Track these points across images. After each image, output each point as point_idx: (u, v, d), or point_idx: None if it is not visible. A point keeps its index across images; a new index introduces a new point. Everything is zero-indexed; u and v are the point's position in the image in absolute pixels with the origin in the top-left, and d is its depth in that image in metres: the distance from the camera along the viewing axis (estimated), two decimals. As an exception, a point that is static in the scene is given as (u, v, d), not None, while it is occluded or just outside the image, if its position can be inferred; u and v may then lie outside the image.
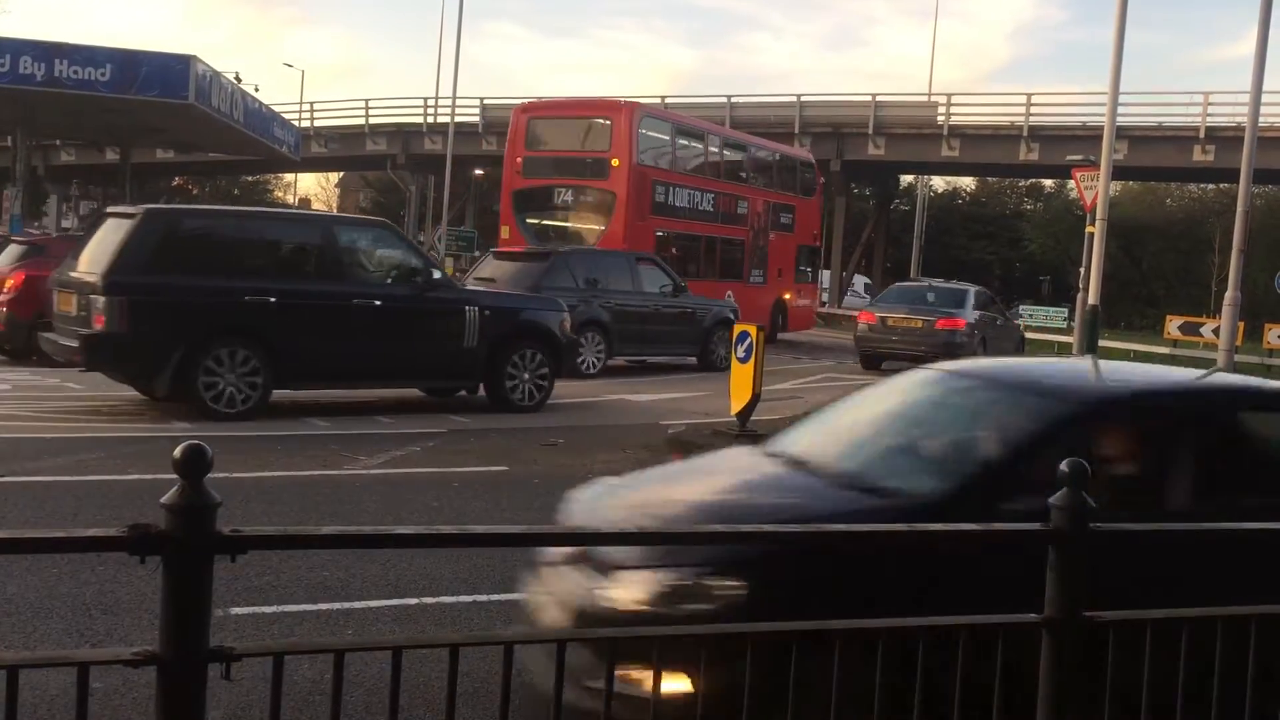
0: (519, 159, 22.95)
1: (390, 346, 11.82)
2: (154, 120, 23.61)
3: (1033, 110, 42.33)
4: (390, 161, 54.31)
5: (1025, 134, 42.03)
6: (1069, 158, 28.26)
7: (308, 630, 5.21)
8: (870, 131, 44.20)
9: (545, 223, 23.14)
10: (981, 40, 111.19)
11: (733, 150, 28.25)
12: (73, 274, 11.13)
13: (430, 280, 12.26)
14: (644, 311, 17.82)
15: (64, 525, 6.41)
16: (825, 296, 42.09)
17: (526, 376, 12.70)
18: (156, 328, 10.58)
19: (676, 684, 2.74)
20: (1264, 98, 19.44)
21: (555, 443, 10.90)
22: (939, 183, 65.53)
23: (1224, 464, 4.30)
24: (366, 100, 54.28)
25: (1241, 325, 20.99)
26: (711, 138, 27.22)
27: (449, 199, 45.12)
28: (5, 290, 14.94)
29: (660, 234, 22.87)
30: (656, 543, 3.10)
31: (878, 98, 44.73)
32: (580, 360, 15.91)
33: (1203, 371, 5.63)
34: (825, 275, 48.57)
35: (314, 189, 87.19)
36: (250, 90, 27.25)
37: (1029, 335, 36.30)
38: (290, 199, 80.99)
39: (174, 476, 2.00)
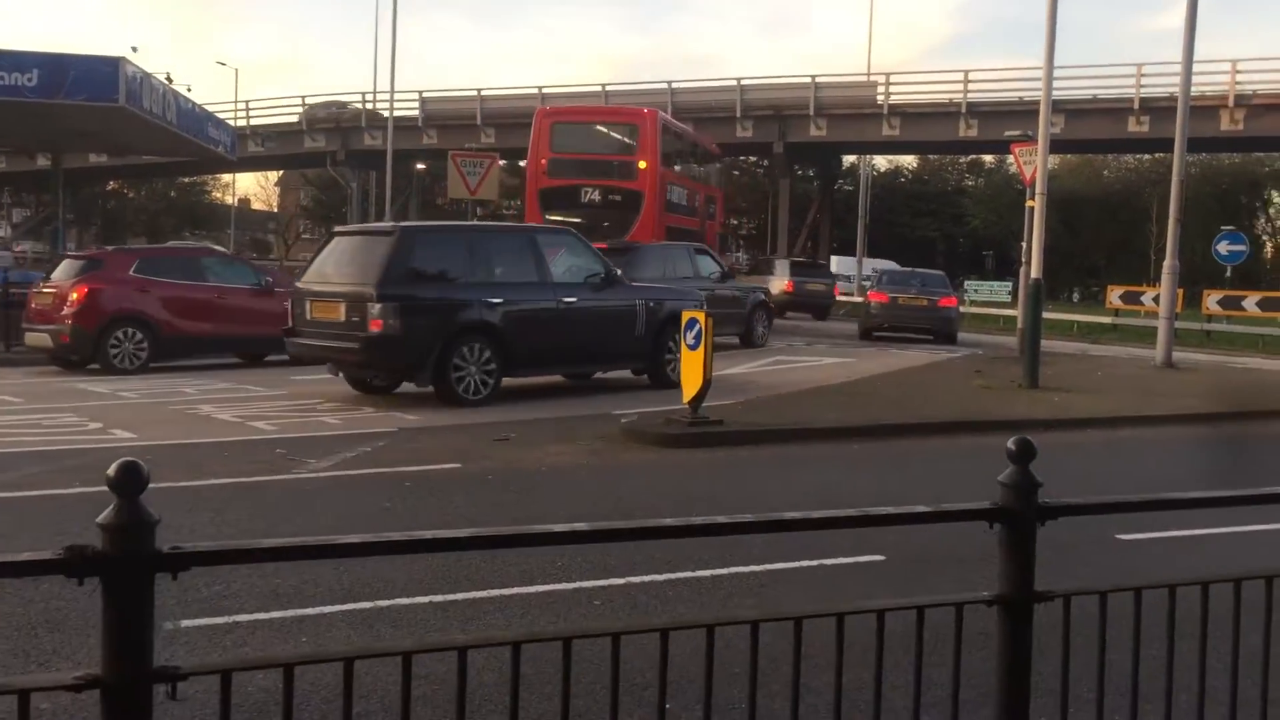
0: (544, 160, 24.39)
1: (586, 337, 13.91)
2: (85, 124, 23.13)
3: (970, 87, 42.75)
4: (330, 158, 53.75)
5: (964, 111, 42.43)
6: (1007, 133, 28.61)
7: (261, 640, 5.14)
8: (811, 113, 44.41)
9: (571, 220, 23.78)
10: (919, 19, 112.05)
11: (694, 148, 30.30)
12: (329, 287, 12.93)
13: (609, 279, 14.31)
14: (709, 297, 17.87)
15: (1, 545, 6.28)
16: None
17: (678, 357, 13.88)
18: (420, 328, 12.40)
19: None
20: (1195, 67, 19.78)
21: (507, 437, 10.84)
22: (881, 162, 66.11)
23: None
24: (303, 97, 53.71)
25: (1181, 292, 21.34)
26: (687, 138, 29.43)
27: (391, 194, 44.71)
28: (70, 304, 16.04)
29: (670, 228, 24.85)
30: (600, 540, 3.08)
31: (817, 79, 44.94)
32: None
33: None
34: (841, 261, 48.95)
35: (253, 188, 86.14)
36: (183, 91, 26.80)
37: (975, 310, 36.77)
38: (229, 199, 79.89)
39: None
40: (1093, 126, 40.92)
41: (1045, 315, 19.92)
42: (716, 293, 19.24)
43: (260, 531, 6.86)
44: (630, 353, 14.58)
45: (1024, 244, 21.04)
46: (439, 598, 5.72)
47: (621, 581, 6.02)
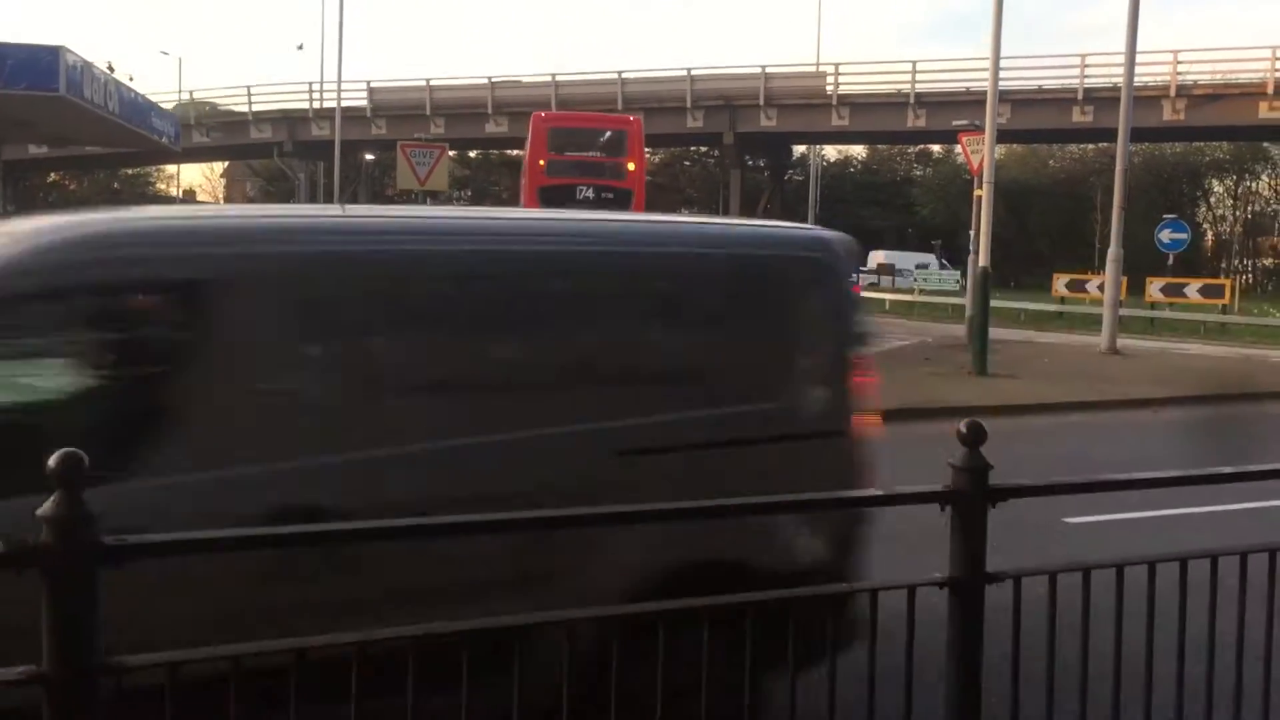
0: (542, 161, 26.74)
1: None
2: (23, 114, 22.64)
3: (919, 77, 43.05)
4: (277, 149, 53.09)
5: (913, 101, 42.74)
6: (955, 123, 28.81)
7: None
8: (761, 103, 44.53)
9: None
10: (868, 10, 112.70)
11: None
12: None
13: None
14: None
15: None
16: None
17: None
18: None
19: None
20: (1138, 58, 20.07)
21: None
22: (831, 152, 66.42)
23: None
24: (249, 87, 52.99)
25: (1125, 280, 21.68)
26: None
27: (340, 185, 44.26)
28: None
29: None
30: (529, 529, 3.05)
31: (767, 69, 45.05)
32: None
33: None
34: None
35: (198, 180, 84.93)
36: (125, 80, 26.34)
37: (925, 299, 37.10)
38: (173, 191, 78.75)
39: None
40: (1038, 116, 41.39)
41: (993, 303, 20.15)
42: None
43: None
44: None
45: (972, 232, 21.26)
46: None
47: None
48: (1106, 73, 38.09)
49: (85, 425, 3.21)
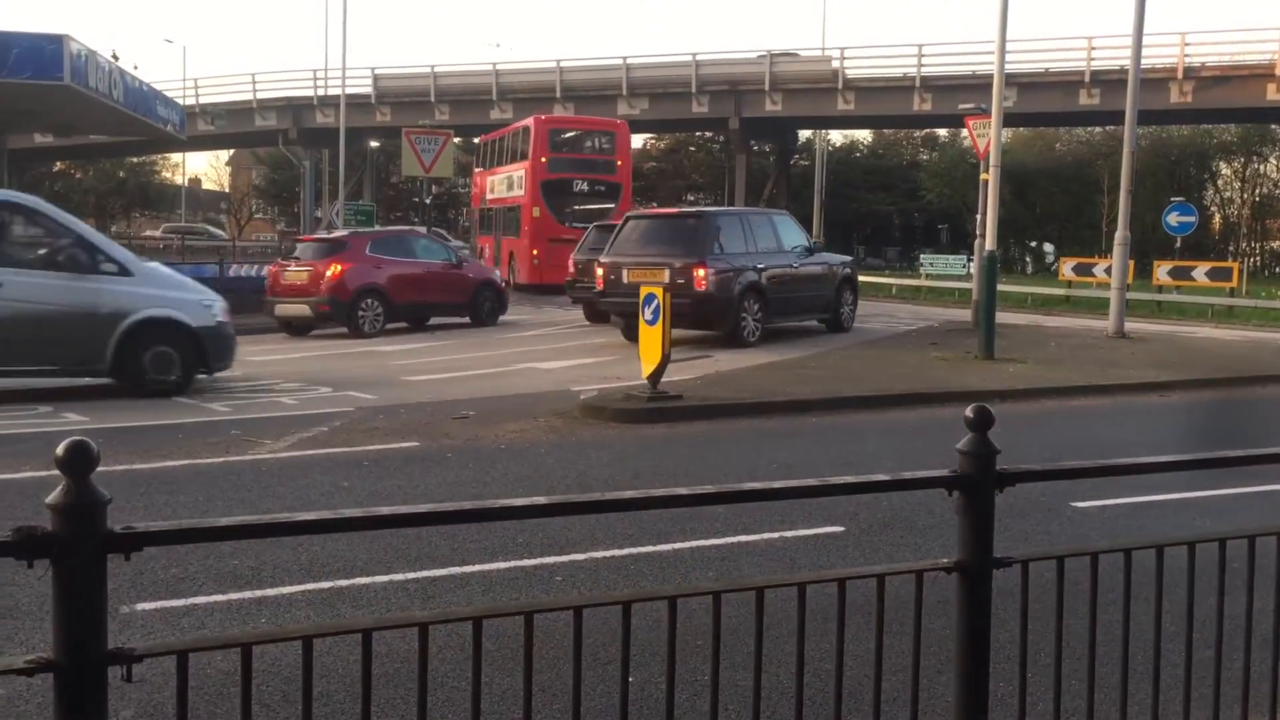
0: (544, 158, 30.28)
1: (806, 293, 18.46)
2: (29, 103, 22.66)
3: (924, 61, 42.90)
4: (281, 137, 53.07)
5: (918, 85, 42.61)
6: (961, 106, 28.72)
7: (219, 622, 5.08)
8: (767, 88, 44.41)
9: (569, 206, 30.66)
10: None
11: None
12: (646, 258, 16.73)
13: (811, 249, 19.00)
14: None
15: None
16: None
17: (844, 311, 19.57)
18: (726, 289, 16.48)
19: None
20: (1145, 40, 19.96)
21: (466, 415, 10.79)
22: (837, 137, 66.22)
23: None
24: (253, 75, 52.94)
25: (1132, 263, 21.61)
26: None
27: (345, 173, 44.23)
28: (327, 279, 19.20)
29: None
30: (566, 513, 3.06)
31: (773, 54, 44.92)
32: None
33: None
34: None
35: (204, 168, 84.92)
36: (129, 69, 26.32)
37: (931, 284, 37.01)
38: (179, 179, 78.75)
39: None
40: (1045, 100, 41.26)
41: (1000, 288, 20.09)
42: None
43: (216, 513, 6.78)
44: (824, 305, 19.10)
45: (979, 216, 21.18)
46: (398, 576, 5.69)
47: (582, 557, 6.02)
48: (1113, 55, 37.97)
49: None
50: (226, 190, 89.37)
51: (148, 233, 60.48)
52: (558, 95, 46.46)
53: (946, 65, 42.97)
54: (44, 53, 19.57)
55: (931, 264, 40.73)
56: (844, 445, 10.19)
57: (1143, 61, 20.51)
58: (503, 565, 5.89)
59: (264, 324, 19.58)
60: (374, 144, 55.38)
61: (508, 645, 2.43)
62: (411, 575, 5.68)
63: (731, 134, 49.00)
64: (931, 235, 66.12)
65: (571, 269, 21.05)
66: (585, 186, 31.06)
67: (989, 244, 16.86)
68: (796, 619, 2.56)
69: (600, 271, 17.31)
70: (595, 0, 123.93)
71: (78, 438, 1.95)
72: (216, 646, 2.25)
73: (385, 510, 2.32)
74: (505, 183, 33.08)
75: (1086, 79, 39.94)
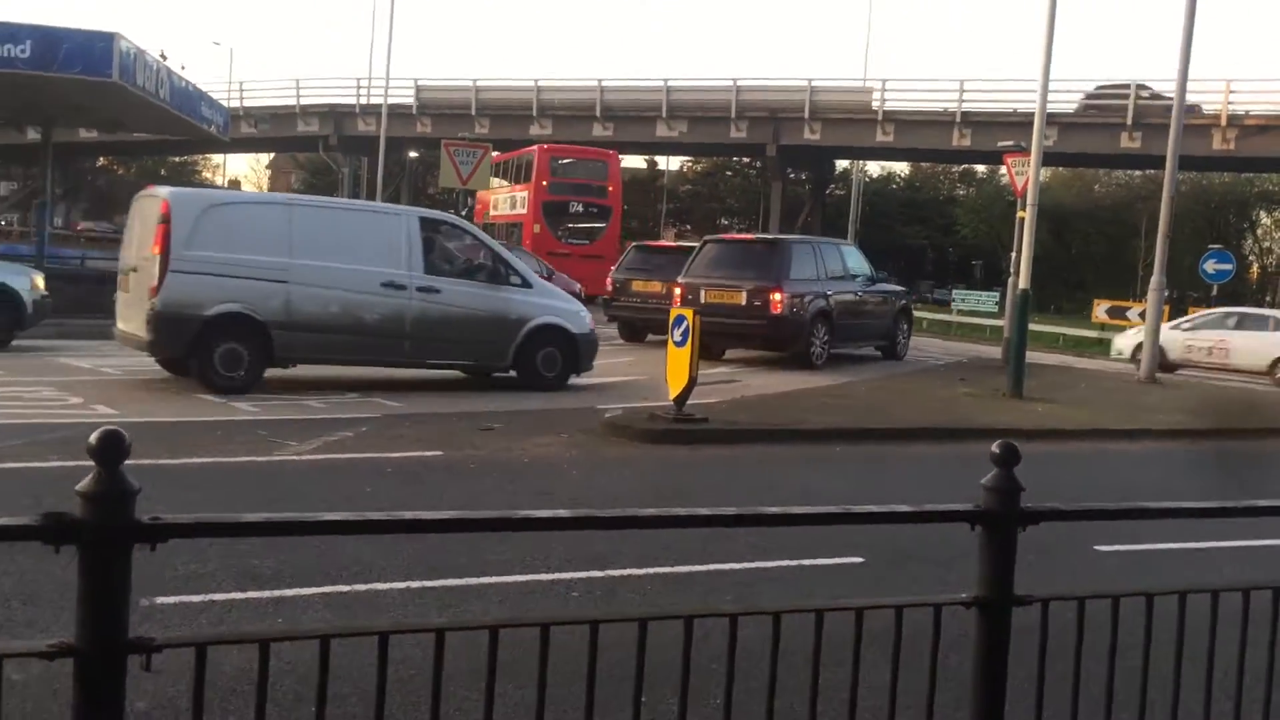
0: (545, 182, 33.85)
1: (871, 321, 19.48)
2: (76, 99, 22.97)
3: (965, 96, 42.83)
4: (322, 143, 53.55)
5: (959, 120, 42.54)
6: (1000, 143, 28.62)
7: (236, 620, 5.12)
8: (806, 116, 44.43)
9: (565, 224, 34.76)
10: (916, 26, 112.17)
11: None
12: (725, 280, 17.61)
13: (874, 278, 19.86)
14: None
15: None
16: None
17: (900, 340, 20.57)
18: (799, 314, 17.42)
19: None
20: (1190, 86, 19.86)
21: (492, 427, 10.82)
22: (874, 168, 66.16)
23: None
24: (297, 80, 53.49)
25: (1167, 309, 21.42)
26: None
27: (383, 181, 44.56)
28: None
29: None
30: (595, 527, 3.06)
31: (813, 82, 44.96)
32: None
33: None
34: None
35: (244, 170, 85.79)
36: (177, 69, 26.65)
37: (961, 320, 36.83)
38: (220, 180, 79.54)
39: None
40: (1086, 140, 41.08)
41: (1031, 327, 19.98)
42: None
43: (238, 511, 6.82)
44: (883, 333, 19.97)
45: (1013, 254, 21.08)
46: (417, 584, 5.70)
47: (600, 574, 6.02)
48: (1157, 99, 37.75)
49: None
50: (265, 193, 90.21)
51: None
52: (597, 114, 46.68)
53: (987, 102, 42.88)
54: (94, 50, 19.86)
55: (963, 300, 40.56)
56: (867, 476, 10.15)
57: (1186, 106, 20.40)
58: (520, 578, 5.89)
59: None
60: (413, 154, 55.79)
61: (522, 657, 2.43)
62: (429, 584, 5.69)
63: (768, 160, 49.04)
64: (965, 271, 65.82)
65: (610, 288, 21.26)
66: (580, 208, 35.13)
67: (1023, 282, 16.77)
68: (812, 646, 2.56)
69: (678, 291, 17.96)
70: (636, 22, 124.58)
71: (111, 427, 1.98)
72: (235, 641, 2.27)
73: (408, 515, 2.33)
74: (509, 201, 36.53)
75: (1129, 122, 39.74)
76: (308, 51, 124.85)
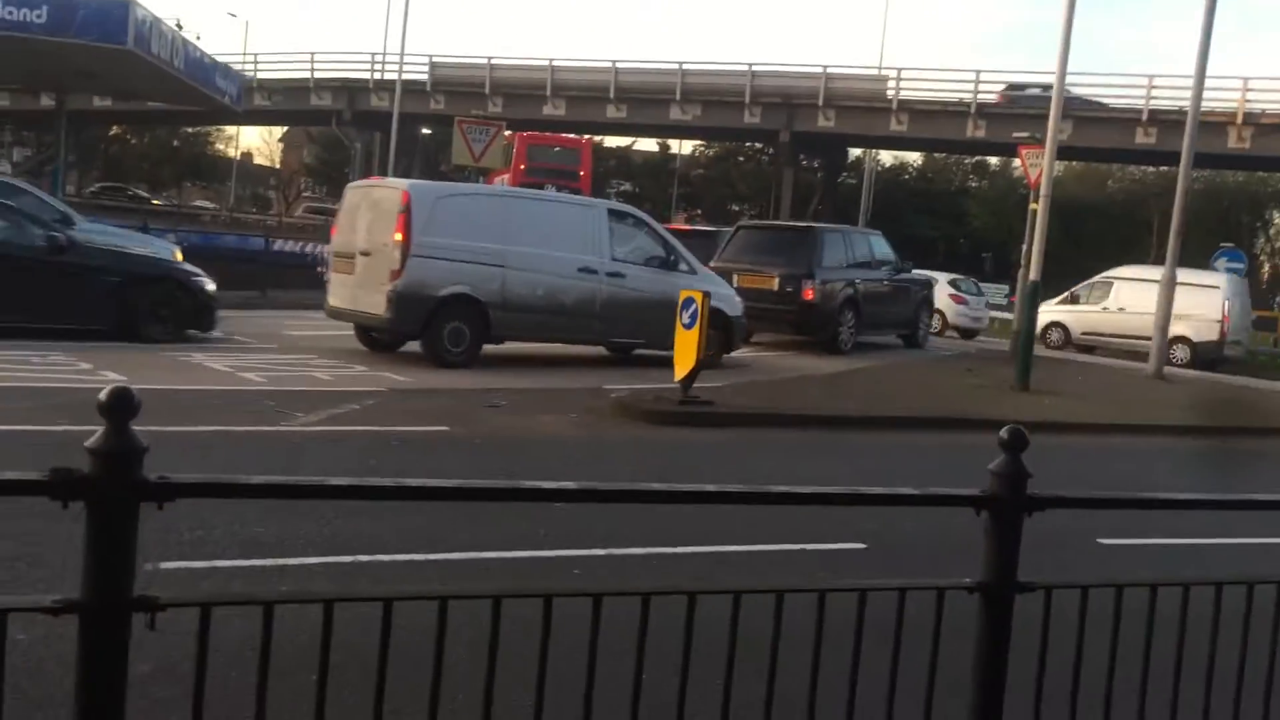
0: (522, 165, 34.70)
1: (895, 309, 19.98)
2: (91, 65, 22.97)
3: (982, 88, 42.65)
4: (335, 118, 53.45)
5: (973, 111, 42.35)
6: (1015, 135, 28.50)
7: (239, 586, 5.14)
8: (820, 103, 44.26)
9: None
10: (934, 16, 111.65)
11: None
12: (758, 266, 18.04)
13: (899, 267, 20.40)
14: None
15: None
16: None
17: (921, 329, 21.11)
18: (829, 300, 18.02)
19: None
20: (1206, 83, 19.73)
21: (498, 404, 10.83)
22: (886, 157, 65.87)
23: None
24: (312, 54, 53.43)
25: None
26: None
27: (395, 158, 44.50)
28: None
29: None
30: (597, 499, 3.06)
31: (829, 69, 44.79)
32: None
33: None
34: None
35: (257, 143, 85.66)
36: (192, 39, 26.62)
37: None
38: (232, 152, 79.50)
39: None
40: (1101, 135, 40.89)
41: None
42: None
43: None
44: (906, 321, 20.50)
45: (1024, 246, 21.03)
46: (420, 557, 5.72)
47: (602, 552, 6.04)
48: (1173, 95, 37.55)
49: None
50: (277, 167, 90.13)
51: (197, 202, 61.24)
52: (611, 96, 46.55)
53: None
54: (110, 16, 19.83)
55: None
56: (872, 462, 10.15)
57: (1203, 104, 20.29)
58: (523, 554, 5.91)
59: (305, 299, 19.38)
60: (426, 131, 55.67)
61: (524, 630, 2.44)
62: (432, 556, 5.71)
63: (781, 146, 48.88)
64: (975, 263, 65.59)
65: None
66: (554, 190, 36.57)
67: (1033, 274, 16.71)
68: (814, 628, 2.56)
69: None
70: (652, 4, 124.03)
71: (120, 385, 1.99)
72: (239, 603, 2.28)
73: (413, 482, 2.34)
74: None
75: (1144, 117, 39.56)
76: (323, 25, 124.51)
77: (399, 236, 12.77)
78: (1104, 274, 27.28)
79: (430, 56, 50.45)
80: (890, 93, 43.92)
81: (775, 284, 17.84)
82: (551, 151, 38.22)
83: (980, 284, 33.22)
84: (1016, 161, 26.85)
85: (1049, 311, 23.72)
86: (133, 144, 75.41)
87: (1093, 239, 61.99)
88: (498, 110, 45.69)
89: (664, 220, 50.61)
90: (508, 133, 36.23)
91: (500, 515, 6.13)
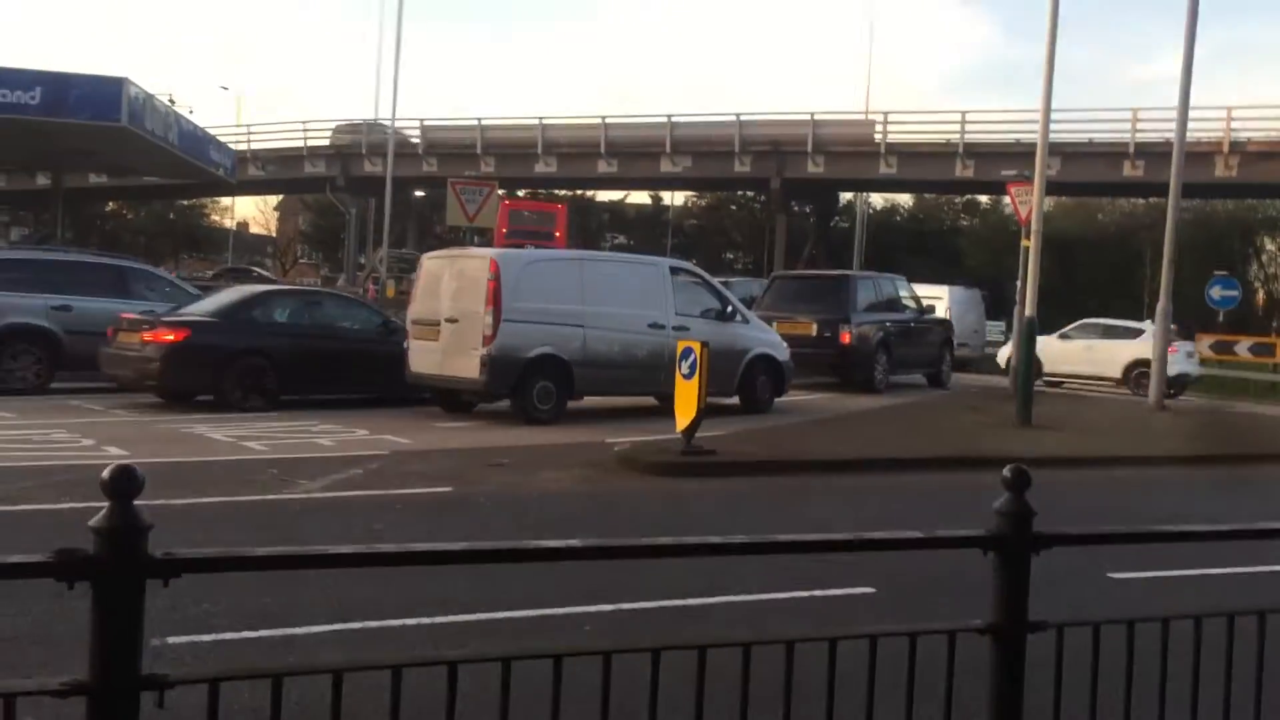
0: (504, 229, 35.58)
1: (922, 350, 21.02)
2: (86, 144, 23.22)
3: (968, 127, 42.97)
4: (329, 184, 53.81)
5: (961, 151, 42.64)
6: (1003, 173, 28.68)
7: (248, 658, 5.10)
8: (809, 149, 44.57)
9: None
10: (916, 58, 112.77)
11: None
12: (795, 313, 19.04)
13: (923, 309, 21.53)
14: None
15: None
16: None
17: (944, 368, 21.73)
18: (865, 344, 19.08)
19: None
20: (1191, 114, 19.91)
21: (502, 462, 10.81)
22: (878, 200, 66.25)
23: None
24: (304, 123, 53.87)
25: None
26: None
27: (390, 221, 44.76)
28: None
29: None
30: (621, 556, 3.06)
31: (816, 115, 45.11)
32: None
33: None
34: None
35: (252, 212, 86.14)
36: (185, 113, 26.91)
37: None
38: (228, 222, 79.91)
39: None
40: (1088, 169, 41.14)
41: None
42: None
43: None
44: (931, 361, 21.30)
45: (1019, 283, 21.11)
46: (428, 620, 5.69)
47: (610, 608, 5.99)
48: (1159, 127, 37.82)
49: None
50: (273, 235, 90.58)
51: (199, 273, 61.38)
52: (601, 151, 46.90)
53: (990, 133, 43.01)
54: (103, 94, 20.07)
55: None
56: (878, 505, 10.11)
57: (1189, 135, 20.45)
58: (532, 613, 5.87)
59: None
60: (419, 193, 56.06)
61: (535, 689, 2.42)
62: (441, 620, 5.67)
63: (773, 194, 49.16)
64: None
65: None
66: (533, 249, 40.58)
67: (1029, 310, 16.76)
68: (825, 676, 2.54)
69: None
70: (639, 60, 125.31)
71: (123, 463, 1.99)
72: (247, 676, 2.27)
73: (421, 547, 2.34)
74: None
75: (1131, 150, 39.82)
76: (314, 94, 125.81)
77: (490, 304, 13.45)
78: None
79: (421, 120, 51.00)
80: (878, 136, 44.25)
81: (813, 329, 18.78)
82: (530, 216, 40.22)
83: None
84: (1007, 199, 26.98)
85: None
86: (129, 218, 75.82)
87: (1086, 272, 62.16)
88: (490, 170, 46.03)
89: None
90: (501, 192, 36.91)
91: (508, 574, 6.09)
